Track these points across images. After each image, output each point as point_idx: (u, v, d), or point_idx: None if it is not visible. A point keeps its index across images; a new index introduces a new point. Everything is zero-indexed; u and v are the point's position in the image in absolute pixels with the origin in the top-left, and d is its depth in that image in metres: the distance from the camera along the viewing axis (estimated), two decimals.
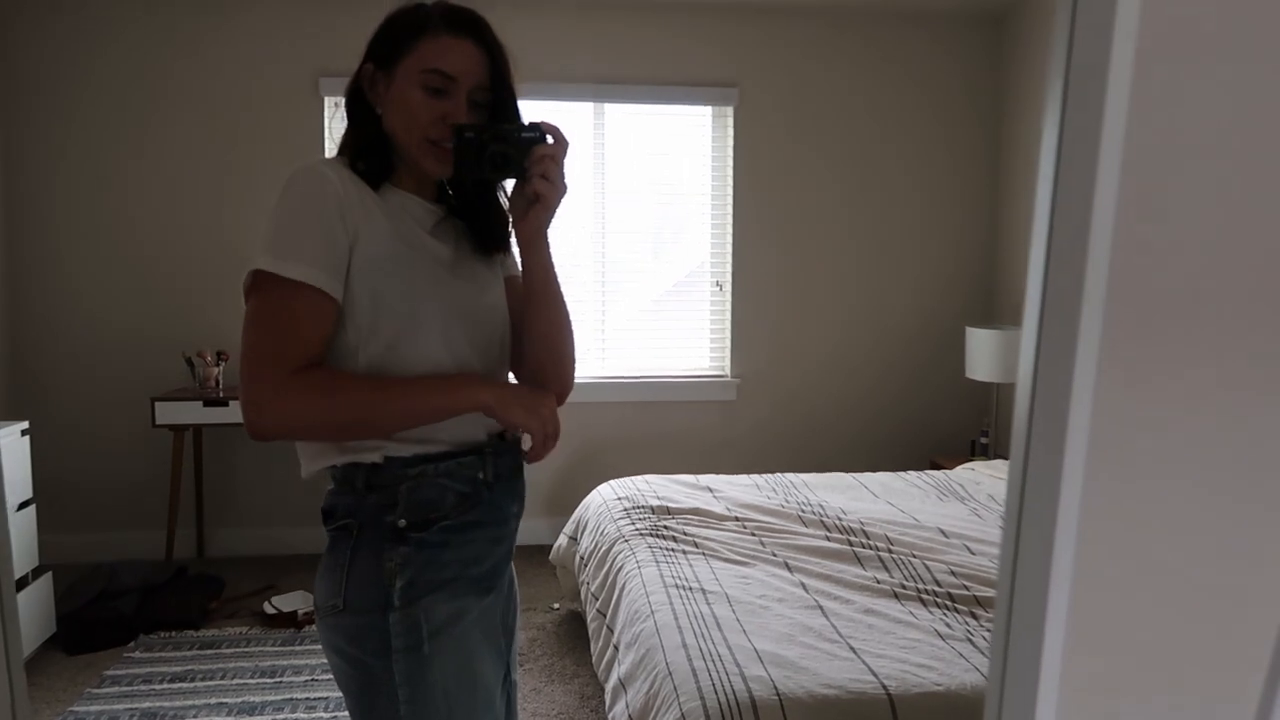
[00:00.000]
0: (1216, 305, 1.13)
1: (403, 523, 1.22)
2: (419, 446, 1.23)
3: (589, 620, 2.81)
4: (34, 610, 3.09)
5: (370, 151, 1.27)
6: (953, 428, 4.53)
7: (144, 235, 3.97)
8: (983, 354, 4.05)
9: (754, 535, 2.84)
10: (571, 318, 1.37)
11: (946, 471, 3.68)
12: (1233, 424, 1.13)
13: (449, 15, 1.24)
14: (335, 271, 1.18)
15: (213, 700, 2.84)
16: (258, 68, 3.97)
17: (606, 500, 3.24)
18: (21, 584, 3.04)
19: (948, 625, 2.19)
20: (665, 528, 2.88)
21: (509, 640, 1.39)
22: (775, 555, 2.66)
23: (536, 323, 1.32)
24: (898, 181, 4.41)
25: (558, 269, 1.33)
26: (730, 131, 4.28)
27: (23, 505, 3.06)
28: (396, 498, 1.22)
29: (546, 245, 1.28)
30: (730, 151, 4.29)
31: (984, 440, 4.27)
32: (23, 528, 3.06)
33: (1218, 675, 1.20)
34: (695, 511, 3.03)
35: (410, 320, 1.22)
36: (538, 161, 1.22)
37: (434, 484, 1.23)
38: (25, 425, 3.08)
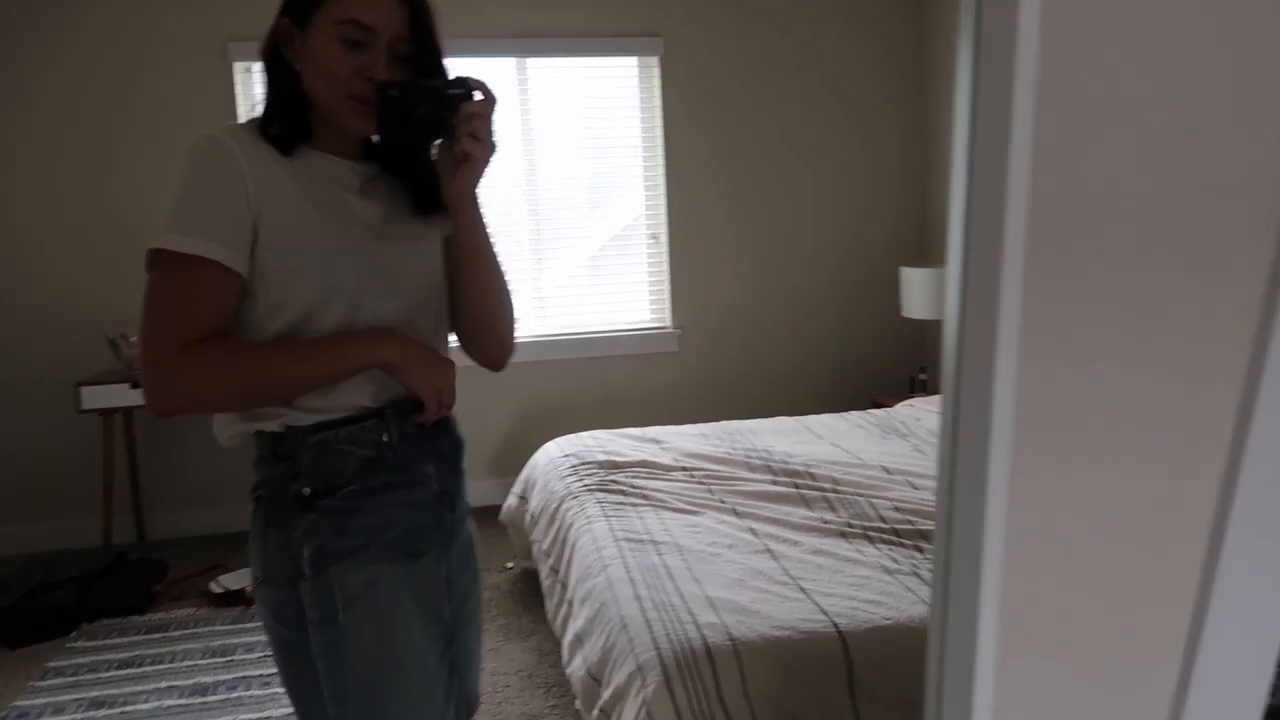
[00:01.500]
0: (1129, 238, 1.14)
1: (307, 491, 1.20)
2: (319, 415, 1.21)
3: (543, 578, 2.81)
4: None
5: (286, 113, 1.22)
6: (892, 366, 4.60)
7: (49, 215, 3.80)
8: (917, 293, 4.10)
9: (702, 484, 2.86)
10: (508, 279, 1.35)
11: (888, 410, 3.74)
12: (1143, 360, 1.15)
13: None
14: (236, 244, 1.15)
15: (163, 684, 2.80)
16: (163, 32, 3.79)
17: (553, 458, 3.23)
18: None
19: (894, 560, 2.24)
20: (613, 482, 2.88)
21: (459, 605, 1.36)
22: (724, 502, 2.68)
23: (470, 285, 1.30)
24: (828, 126, 4.41)
25: (490, 229, 1.30)
26: (657, 82, 4.23)
27: None
28: (300, 466, 1.21)
29: (477, 205, 1.25)
30: (658, 103, 4.25)
31: (922, 377, 4.35)
32: None
33: (1151, 580, 1.23)
34: (643, 464, 3.04)
35: (322, 289, 1.18)
36: (465, 120, 1.17)
37: (336, 450, 1.21)
38: None
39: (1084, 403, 1.18)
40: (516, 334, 1.40)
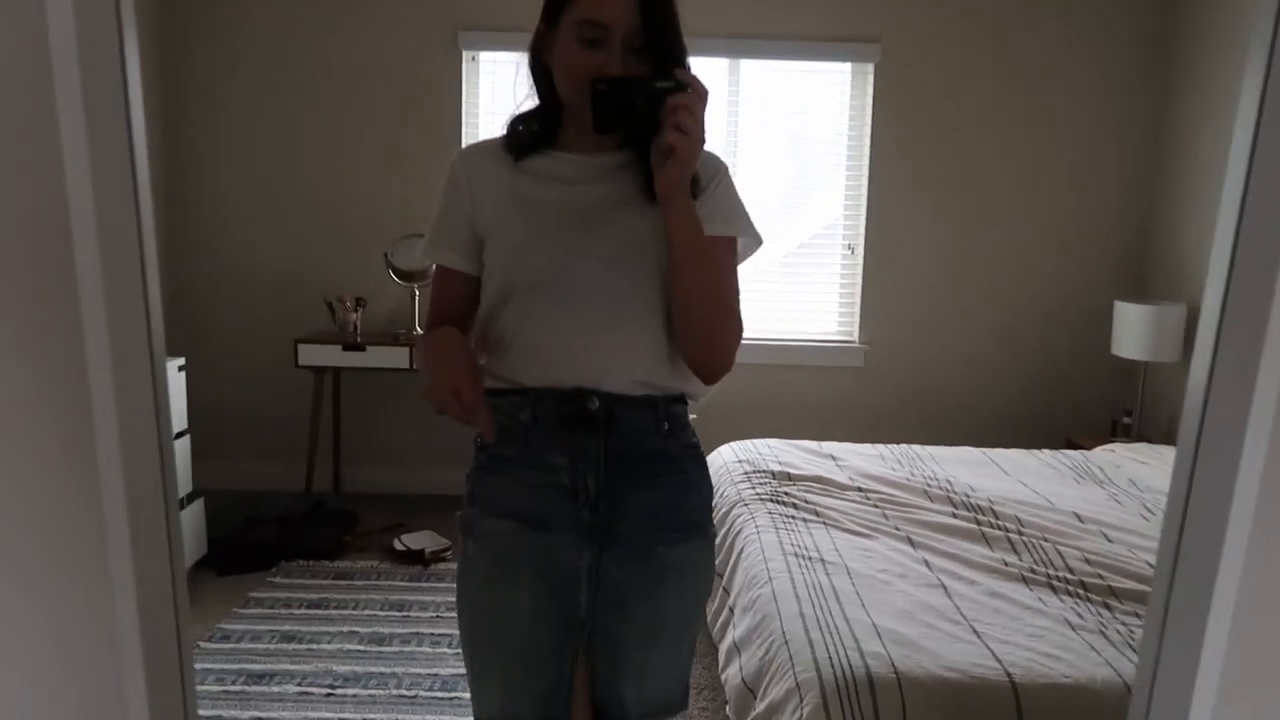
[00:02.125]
0: None
1: (478, 441, 1.39)
2: (492, 382, 1.36)
3: None
4: (188, 532, 3.32)
5: (537, 114, 1.36)
6: (1093, 406, 4.31)
7: (289, 185, 4.14)
8: (1131, 330, 3.83)
9: (877, 507, 2.79)
10: (734, 285, 1.35)
11: (1084, 452, 3.52)
12: None
13: None
14: (463, 250, 1.38)
15: (345, 629, 3.00)
16: (398, 21, 4.05)
17: (727, 462, 3.23)
18: (179, 506, 3.27)
19: (1079, 615, 2.10)
20: (786, 494, 2.85)
21: (614, 608, 1.35)
22: (898, 529, 2.61)
23: (677, 286, 1.29)
24: (1047, 145, 4.18)
25: (757, 228, 1.40)
26: (870, 89, 4.14)
27: (179, 435, 3.27)
28: None
29: (686, 201, 1.26)
30: (869, 110, 4.15)
31: (1126, 420, 4.06)
32: (178, 456, 3.28)
33: None
34: (817, 479, 3.00)
35: (513, 267, 1.33)
36: (671, 112, 1.19)
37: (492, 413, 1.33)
38: (182, 361, 3.28)
39: None
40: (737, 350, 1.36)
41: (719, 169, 1.39)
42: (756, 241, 1.42)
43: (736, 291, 1.37)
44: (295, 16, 4.05)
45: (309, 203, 4.15)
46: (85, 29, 0.82)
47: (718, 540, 2.80)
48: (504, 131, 1.39)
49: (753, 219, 1.41)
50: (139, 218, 0.91)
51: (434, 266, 1.43)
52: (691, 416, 1.44)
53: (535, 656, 1.34)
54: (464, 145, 1.46)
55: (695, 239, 1.27)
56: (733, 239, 1.37)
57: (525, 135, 1.35)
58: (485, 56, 4.10)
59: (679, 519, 1.38)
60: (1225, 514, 1.03)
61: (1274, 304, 0.98)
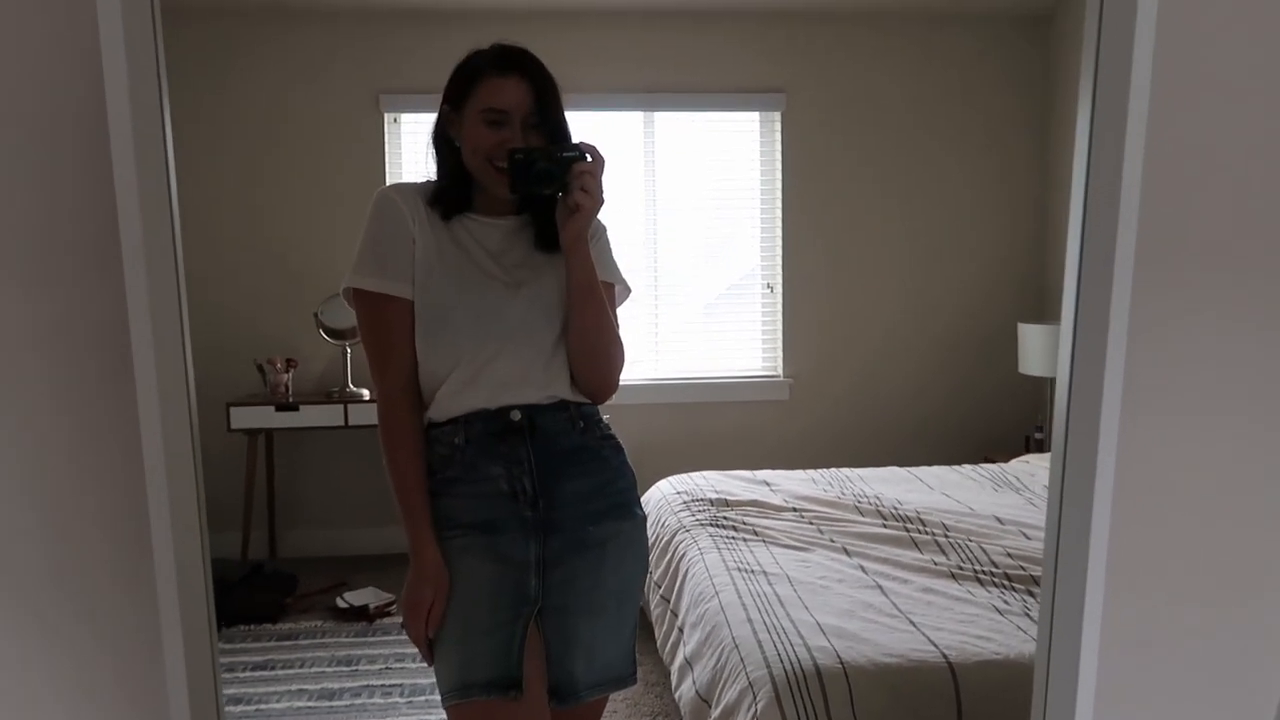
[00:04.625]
0: (1238, 255, 1.21)
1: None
2: (434, 418, 1.53)
3: (652, 607, 2.89)
4: None
5: (451, 185, 1.55)
6: (1007, 424, 4.54)
7: (213, 247, 4.15)
8: (1035, 349, 4.07)
9: (812, 524, 2.91)
10: (616, 322, 1.57)
11: (1001, 465, 3.71)
12: (1255, 370, 1.21)
13: (499, 57, 1.48)
14: (403, 275, 1.50)
15: (293, 687, 2.97)
16: (320, 85, 4.14)
17: (666, 495, 3.33)
18: None
19: (1005, 602, 2.24)
20: (725, 518, 2.95)
21: (563, 585, 1.50)
22: (833, 541, 2.73)
23: (577, 319, 1.51)
24: (946, 181, 4.45)
25: (628, 279, 1.61)
26: (778, 136, 4.37)
27: None
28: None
29: (586, 250, 1.50)
30: (779, 156, 4.38)
31: (1038, 436, 4.29)
32: None
33: (1246, 607, 1.27)
34: (753, 503, 3.11)
35: (444, 316, 1.49)
36: (577, 176, 1.44)
37: (431, 446, 1.53)
38: None
39: (1185, 453, 1.24)
40: (627, 376, 1.62)
41: (600, 228, 1.63)
42: (627, 290, 1.66)
43: (617, 326, 1.59)
44: (216, 77, 4.11)
45: (234, 265, 4.17)
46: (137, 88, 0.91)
47: (663, 568, 2.88)
48: (428, 189, 1.56)
49: (622, 272, 1.65)
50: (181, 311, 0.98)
51: (356, 306, 1.54)
52: (605, 417, 1.62)
53: (487, 624, 1.47)
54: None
55: (592, 280, 1.51)
56: (612, 285, 1.61)
57: (448, 203, 1.54)
58: (406, 118, 4.22)
59: (607, 501, 1.55)
60: (1090, 493, 1.21)
61: (1111, 321, 1.20)
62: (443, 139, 1.55)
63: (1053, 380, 4.15)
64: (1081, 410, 1.26)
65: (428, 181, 1.58)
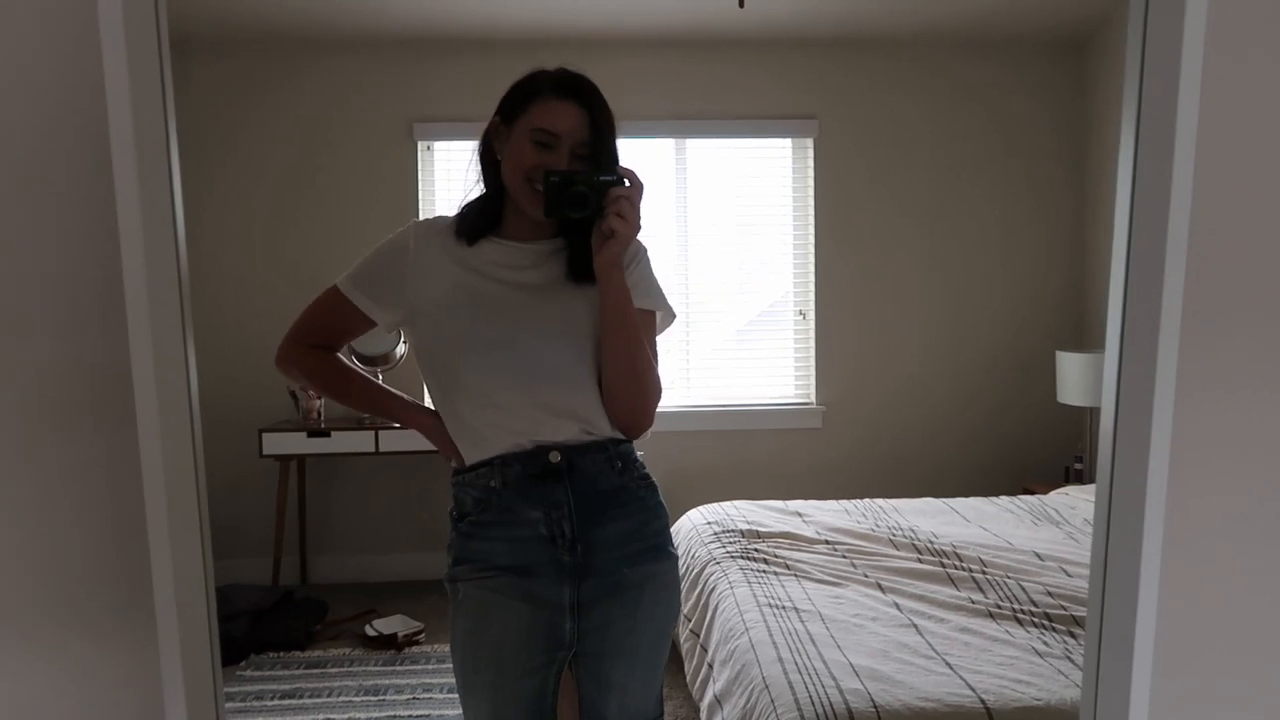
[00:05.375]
0: None
1: (454, 514, 1.54)
2: (467, 461, 1.52)
3: (682, 641, 2.85)
4: None
5: (484, 202, 1.54)
6: (1045, 453, 4.45)
7: (247, 276, 4.20)
8: (1074, 378, 3.99)
9: (845, 558, 2.85)
10: (656, 352, 1.53)
11: (1040, 496, 3.63)
12: None
13: (560, 81, 1.46)
14: (381, 301, 1.54)
15: (320, 716, 2.96)
16: (353, 113, 4.18)
17: (696, 525, 3.28)
18: None
19: (1045, 643, 2.17)
20: (756, 550, 2.91)
21: (597, 629, 1.47)
22: (867, 576, 2.67)
23: (610, 347, 1.47)
24: (981, 207, 4.40)
25: (670, 304, 1.58)
26: (811, 162, 4.34)
27: None
28: (455, 497, 1.55)
29: (620, 277, 1.45)
30: (811, 182, 4.35)
31: (1078, 466, 4.19)
32: None
33: None
34: (785, 535, 3.06)
35: (456, 348, 1.48)
36: (613, 201, 1.40)
37: (464, 489, 1.51)
38: None
39: (1238, 498, 1.18)
40: (660, 406, 1.55)
41: (639, 250, 1.57)
42: (671, 315, 1.61)
43: (656, 357, 1.55)
44: (250, 108, 4.16)
45: (268, 293, 4.20)
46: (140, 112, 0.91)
47: (692, 601, 2.84)
48: (456, 216, 1.55)
49: (666, 297, 1.60)
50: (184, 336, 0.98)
51: (327, 294, 1.61)
52: (639, 453, 1.58)
53: (521, 668, 1.43)
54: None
55: (626, 309, 1.46)
56: (652, 312, 1.56)
57: (475, 222, 1.52)
58: (440, 146, 4.24)
59: (643, 542, 1.52)
60: (1140, 524, 1.15)
61: (1161, 333, 1.14)
62: (487, 150, 1.54)
63: (1093, 410, 4.07)
64: (1128, 451, 1.20)
65: (459, 211, 1.57)
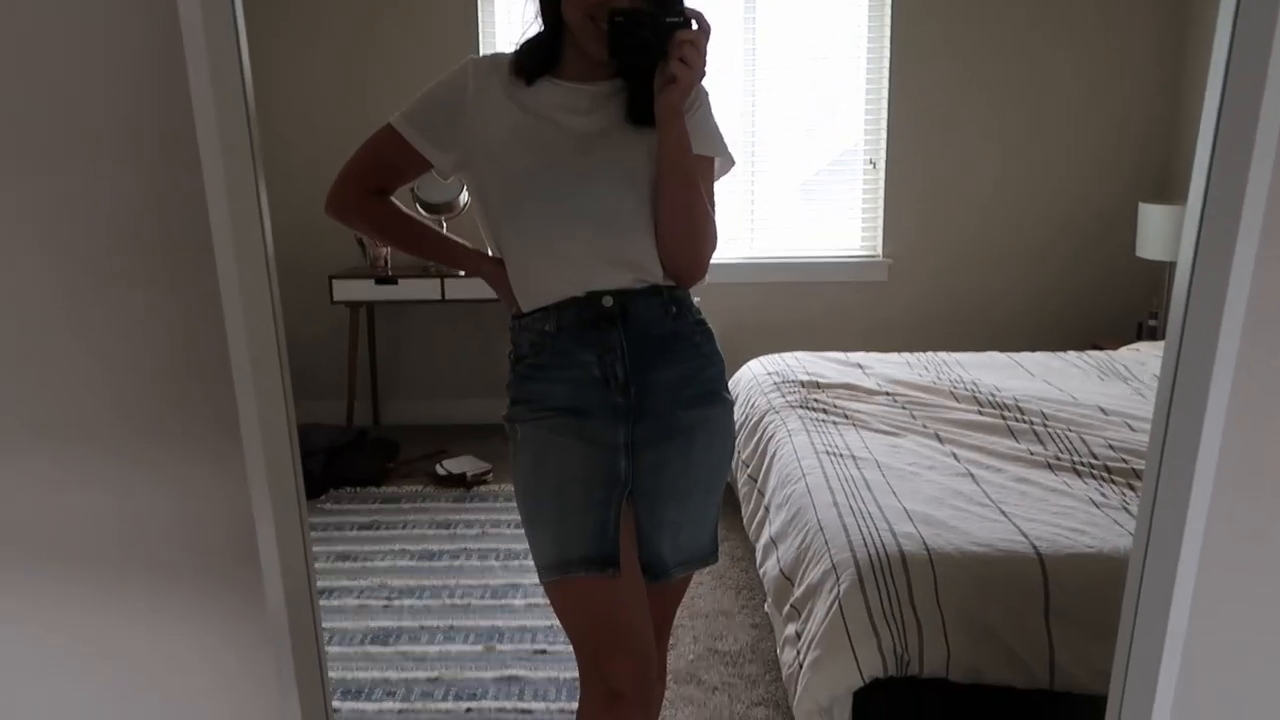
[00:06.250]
0: None
1: (512, 357, 1.56)
2: (524, 307, 1.53)
3: (739, 486, 2.92)
4: None
5: (540, 41, 1.48)
6: (1119, 310, 4.34)
7: (314, 128, 4.19)
8: (1156, 231, 3.84)
9: (904, 409, 2.86)
10: (712, 203, 1.50)
11: (1109, 352, 3.56)
12: None
13: None
14: (434, 137, 1.49)
15: (395, 547, 3.14)
16: None
17: (756, 375, 3.31)
18: None
19: (1103, 495, 2.18)
20: (815, 400, 2.93)
21: (652, 471, 1.51)
22: (926, 427, 2.68)
23: (664, 197, 1.45)
24: (1071, 50, 4.14)
25: (729, 150, 1.53)
26: (887, 5, 4.11)
27: None
28: (513, 340, 1.57)
29: (681, 124, 1.41)
30: (888, 24, 4.12)
31: (1152, 323, 4.09)
32: None
33: None
34: (845, 386, 3.07)
35: (514, 186, 1.46)
36: (678, 46, 1.34)
37: (522, 333, 1.53)
38: None
39: None
40: (720, 254, 1.55)
41: (700, 94, 1.51)
42: (730, 162, 1.57)
43: (713, 205, 1.52)
44: None
45: (335, 143, 4.19)
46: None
47: (751, 448, 2.90)
48: (513, 54, 1.50)
49: (725, 142, 1.56)
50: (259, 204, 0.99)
51: (381, 134, 1.54)
52: (696, 299, 1.58)
53: (583, 504, 1.47)
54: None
55: (685, 158, 1.43)
56: (710, 158, 1.52)
57: (533, 61, 1.47)
58: None
59: (698, 388, 1.54)
60: (1206, 388, 1.12)
61: (1245, 202, 1.08)
62: None
63: (1172, 265, 3.93)
64: (1201, 306, 1.16)
65: (516, 49, 1.51)
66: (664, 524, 1.54)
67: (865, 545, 1.93)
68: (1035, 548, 1.89)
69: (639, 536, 1.53)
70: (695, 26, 1.35)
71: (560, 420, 1.48)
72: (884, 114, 4.21)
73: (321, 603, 2.73)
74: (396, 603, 2.77)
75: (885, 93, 4.19)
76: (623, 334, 1.47)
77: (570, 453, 1.48)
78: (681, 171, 1.43)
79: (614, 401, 1.48)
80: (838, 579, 1.89)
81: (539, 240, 1.47)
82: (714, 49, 1.38)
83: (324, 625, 2.61)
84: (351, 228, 1.70)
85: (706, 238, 1.49)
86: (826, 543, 2.01)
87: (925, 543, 1.91)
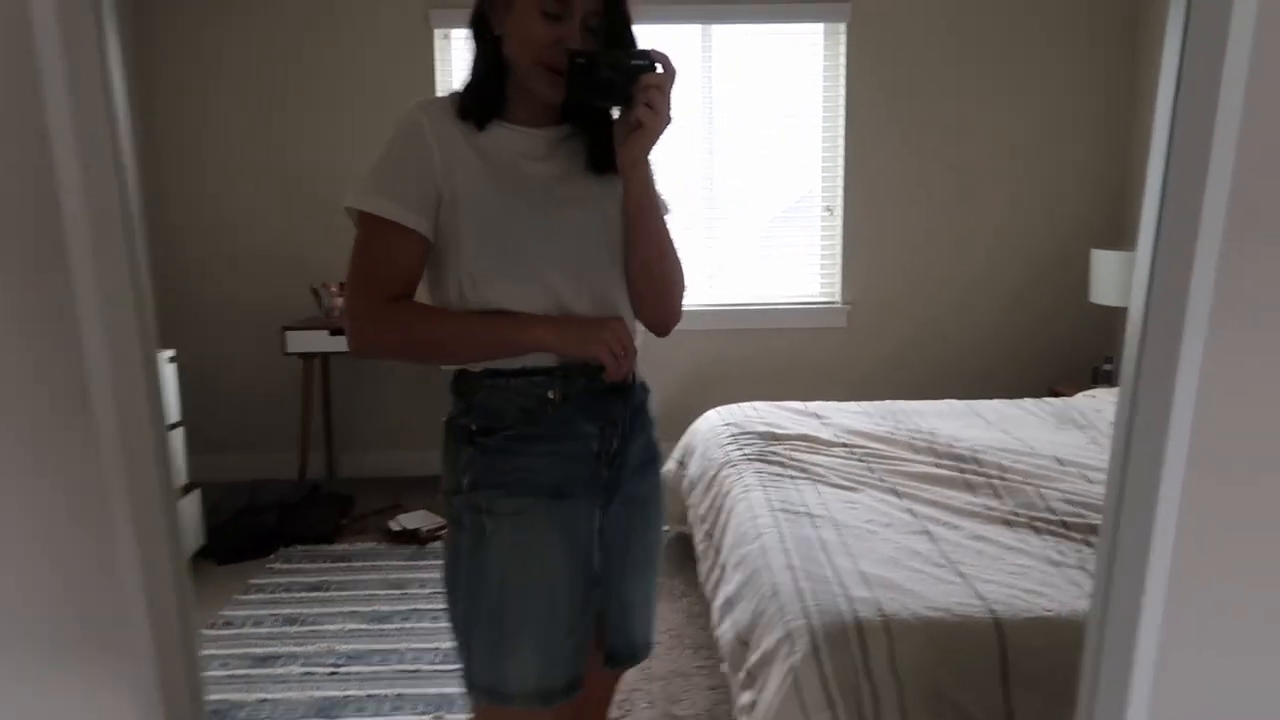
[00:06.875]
0: None
1: (473, 427, 1.35)
2: (505, 364, 1.34)
3: (697, 542, 2.87)
4: (186, 523, 3.35)
5: (484, 83, 1.34)
6: (1074, 355, 4.37)
7: (267, 175, 4.13)
8: (1109, 277, 3.88)
9: (862, 461, 2.84)
10: (676, 246, 1.40)
11: (1065, 399, 3.57)
12: None
13: None
14: (419, 207, 1.29)
15: (346, 609, 3.05)
16: (371, 3, 4.03)
17: (714, 426, 3.27)
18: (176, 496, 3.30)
19: (1060, 553, 2.16)
20: (772, 453, 2.90)
21: (618, 556, 1.42)
22: (883, 481, 2.65)
23: (633, 248, 1.35)
24: (1020, 98, 4.20)
25: (666, 203, 1.40)
26: (842, 50, 4.15)
27: (173, 427, 3.29)
28: (472, 404, 1.35)
29: (647, 172, 1.33)
30: (842, 70, 4.16)
31: (1107, 368, 4.11)
32: (174, 448, 3.30)
33: None
34: (803, 438, 3.04)
35: (498, 250, 1.30)
36: (644, 90, 1.25)
37: (504, 397, 1.33)
38: (173, 353, 3.30)
39: (1273, 400, 1.10)
40: (684, 302, 1.45)
41: None
42: (667, 208, 1.45)
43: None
44: (273, 3, 4.03)
45: (287, 191, 4.15)
46: (67, 22, 0.84)
47: (708, 503, 2.85)
48: (454, 97, 1.36)
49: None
50: (127, 206, 0.93)
51: (362, 228, 1.33)
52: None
53: (568, 621, 1.35)
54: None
55: (653, 205, 1.35)
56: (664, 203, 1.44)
57: (480, 105, 1.33)
58: (459, 34, 4.09)
59: (648, 454, 1.47)
60: (1164, 434, 1.08)
61: (1197, 251, 1.04)
62: (482, 25, 1.33)
63: (1126, 311, 3.96)
64: (1159, 334, 1.10)
65: (454, 93, 1.36)
66: (633, 605, 1.48)
67: (820, 611, 1.88)
68: (993, 611, 1.85)
69: (610, 629, 1.46)
70: (659, 69, 1.26)
71: (535, 507, 1.33)
72: (840, 160, 4.23)
73: (265, 671, 2.64)
74: (344, 669, 2.68)
75: (841, 139, 4.21)
76: (625, 404, 1.40)
77: (554, 557, 1.34)
78: (651, 219, 1.34)
79: (600, 476, 1.38)
80: (792, 648, 1.83)
81: (519, 297, 1.31)
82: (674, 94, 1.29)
83: (265, 697, 2.53)
84: (402, 358, 1.38)
85: (681, 284, 1.42)
86: (781, 608, 1.96)
87: (881, 608, 1.87)
